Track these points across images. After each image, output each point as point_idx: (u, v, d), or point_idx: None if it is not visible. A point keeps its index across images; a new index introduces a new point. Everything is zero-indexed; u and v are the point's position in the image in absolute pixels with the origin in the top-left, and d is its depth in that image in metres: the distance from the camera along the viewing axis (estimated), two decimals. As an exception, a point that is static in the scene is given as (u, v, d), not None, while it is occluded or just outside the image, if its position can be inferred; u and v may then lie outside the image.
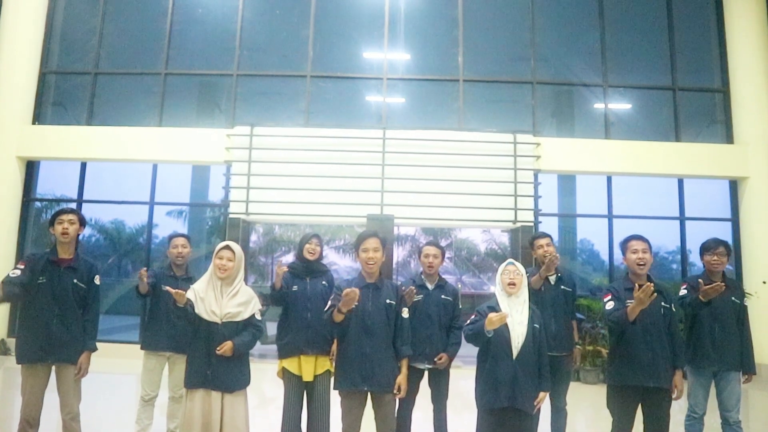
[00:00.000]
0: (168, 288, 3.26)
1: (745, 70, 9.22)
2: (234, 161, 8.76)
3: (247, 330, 3.26)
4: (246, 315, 3.26)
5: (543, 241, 4.29)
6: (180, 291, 3.14)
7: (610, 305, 3.48)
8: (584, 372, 7.56)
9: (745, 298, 4.15)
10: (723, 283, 3.68)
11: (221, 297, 3.23)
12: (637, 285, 3.26)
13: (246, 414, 3.26)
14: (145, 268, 4.11)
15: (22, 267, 3.46)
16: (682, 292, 4.02)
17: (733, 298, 3.99)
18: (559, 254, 4.16)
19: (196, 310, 3.17)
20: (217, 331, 3.17)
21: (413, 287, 3.86)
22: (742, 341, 3.96)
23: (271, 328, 4.64)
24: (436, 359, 3.85)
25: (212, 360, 3.14)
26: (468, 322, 3.41)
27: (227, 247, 3.27)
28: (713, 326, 3.89)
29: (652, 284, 3.20)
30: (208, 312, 3.17)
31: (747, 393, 7.01)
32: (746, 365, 3.94)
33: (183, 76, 9.67)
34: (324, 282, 3.83)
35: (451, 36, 9.58)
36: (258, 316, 3.33)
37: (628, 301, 3.44)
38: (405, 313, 3.47)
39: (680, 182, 9.33)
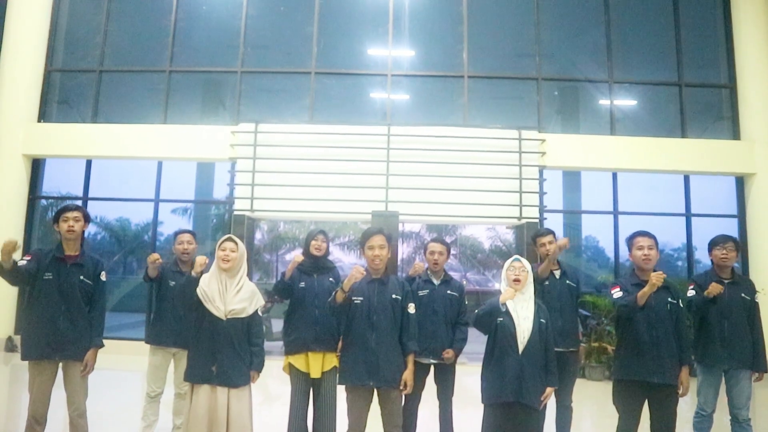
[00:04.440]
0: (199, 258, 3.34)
1: (752, 65, 9.14)
2: (238, 158, 8.76)
3: (256, 351, 3.30)
4: (250, 311, 3.27)
5: (546, 239, 4.26)
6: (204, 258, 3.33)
7: (618, 294, 3.51)
8: (590, 369, 7.54)
9: (757, 295, 4.05)
10: (720, 285, 3.75)
11: (225, 292, 3.24)
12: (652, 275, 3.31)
13: (251, 409, 3.28)
14: (157, 254, 4.08)
15: (29, 258, 3.47)
16: (690, 293, 3.97)
17: (743, 295, 3.92)
18: (567, 242, 4.18)
19: (205, 304, 3.19)
20: (222, 327, 3.19)
21: (421, 263, 3.91)
22: (754, 339, 3.88)
23: (276, 325, 4.65)
24: (443, 354, 3.85)
25: (217, 356, 3.15)
26: (477, 311, 3.41)
27: (229, 239, 3.31)
28: (722, 324, 3.84)
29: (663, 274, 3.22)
30: (215, 307, 3.19)
31: (757, 391, 6.96)
32: (758, 363, 3.86)
33: (187, 73, 9.67)
34: (331, 279, 3.84)
35: (456, 32, 9.53)
36: (260, 313, 3.36)
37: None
38: (411, 309, 3.48)
39: (686, 179, 9.27)
